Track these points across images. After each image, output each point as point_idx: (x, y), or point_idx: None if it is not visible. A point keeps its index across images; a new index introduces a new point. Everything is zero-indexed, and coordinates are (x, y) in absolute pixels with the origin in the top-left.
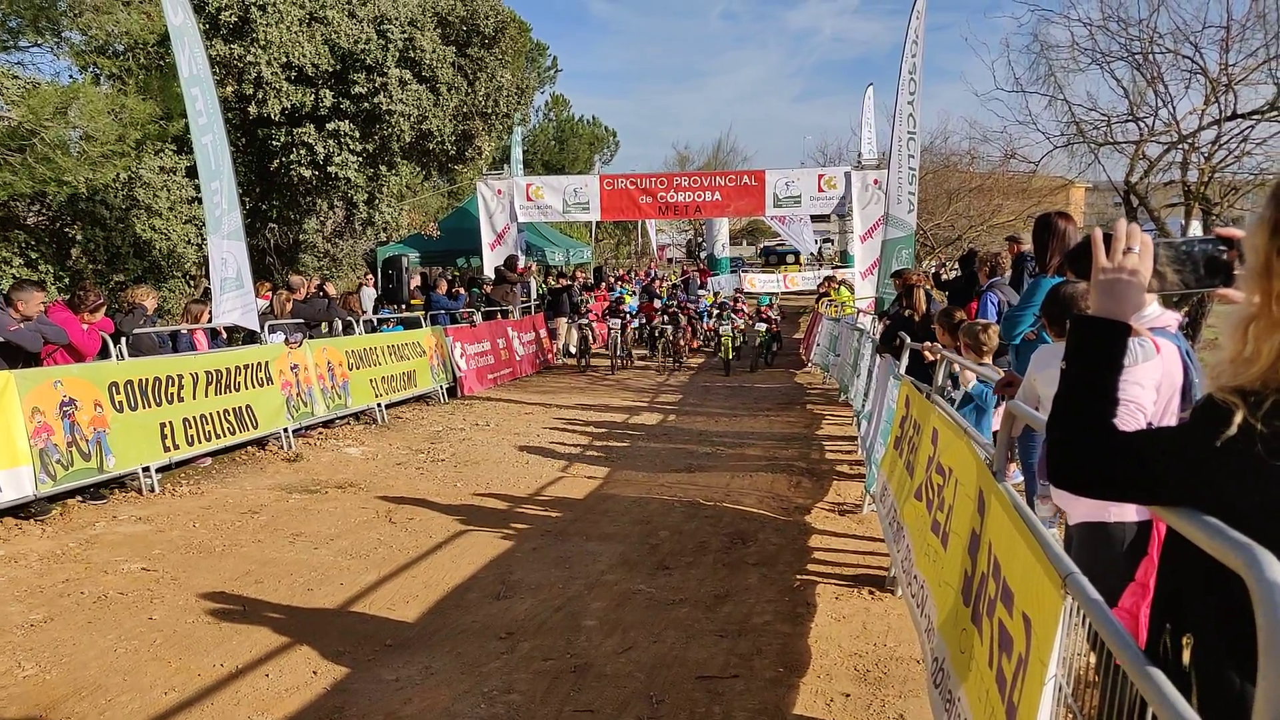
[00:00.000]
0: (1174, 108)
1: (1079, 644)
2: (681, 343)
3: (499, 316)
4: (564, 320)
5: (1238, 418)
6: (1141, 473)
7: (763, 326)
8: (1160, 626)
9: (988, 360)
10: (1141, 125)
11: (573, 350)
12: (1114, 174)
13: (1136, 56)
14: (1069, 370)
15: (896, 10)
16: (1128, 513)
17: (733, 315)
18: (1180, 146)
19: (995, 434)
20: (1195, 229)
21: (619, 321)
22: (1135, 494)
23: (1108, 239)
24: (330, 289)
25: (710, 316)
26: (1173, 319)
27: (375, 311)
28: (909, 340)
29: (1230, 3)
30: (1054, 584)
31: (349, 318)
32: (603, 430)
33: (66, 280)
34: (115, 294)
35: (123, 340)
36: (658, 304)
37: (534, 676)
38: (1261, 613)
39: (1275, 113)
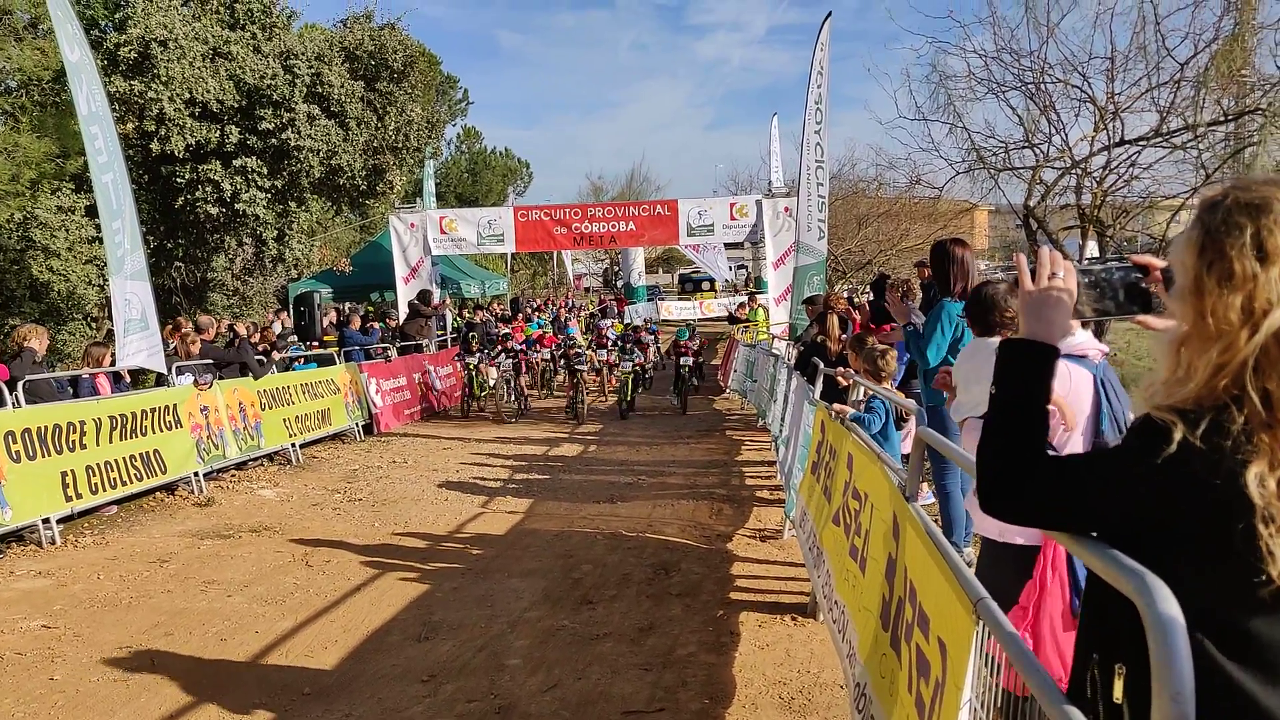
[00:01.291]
0: (1066, 135)
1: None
2: (583, 384)
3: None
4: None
5: (1177, 436)
6: (1077, 498)
7: (686, 362)
8: (1087, 656)
9: (887, 384)
10: (1037, 151)
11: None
12: (1013, 198)
13: (1029, 86)
14: (998, 395)
15: (801, 41)
16: (1016, 534)
17: (635, 349)
18: (1074, 172)
19: (905, 457)
20: (1092, 249)
21: (510, 361)
22: (1070, 521)
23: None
24: (241, 328)
25: (613, 349)
26: (1095, 349)
27: (285, 348)
28: (822, 365)
29: (1113, 35)
30: (965, 609)
31: (259, 358)
32: (523, 463)
33: None
34: (7, 339)
35: (18, 387)
36: (562, 336)
37: None
38: (1152, 640)
39: (1159, 139)
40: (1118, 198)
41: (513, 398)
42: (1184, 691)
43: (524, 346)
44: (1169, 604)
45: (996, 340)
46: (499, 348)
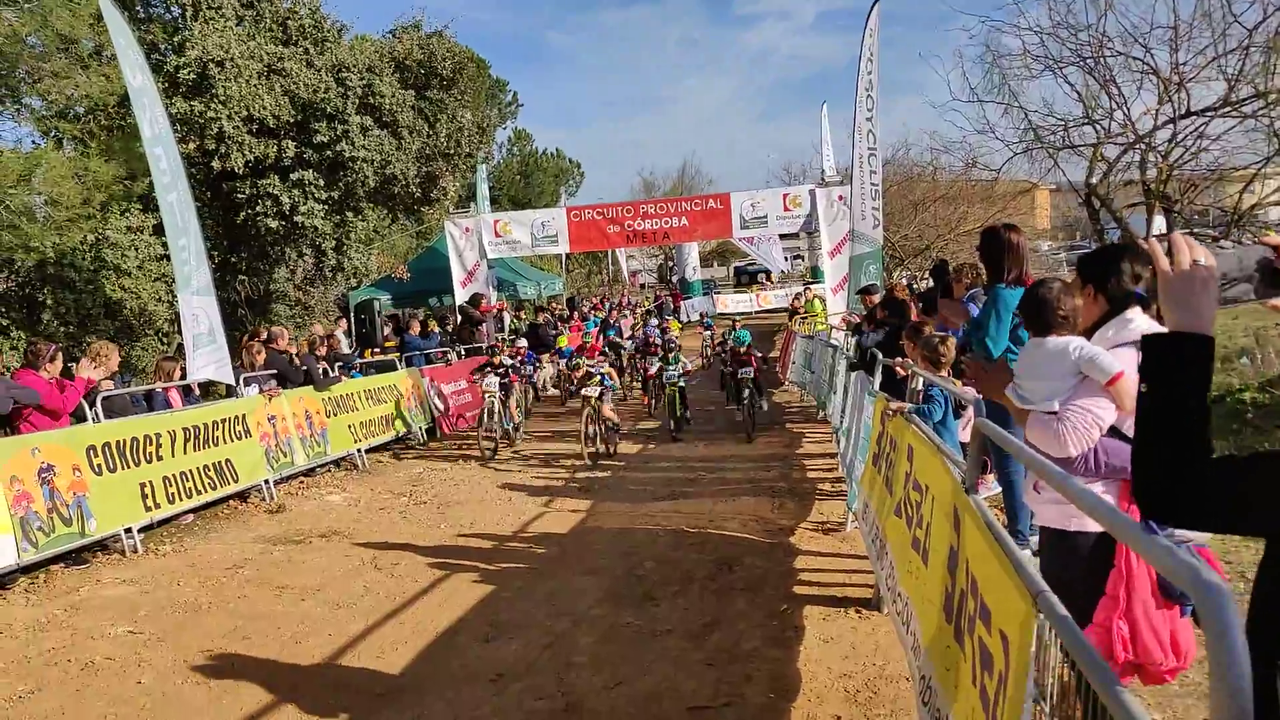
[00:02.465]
0: (1128, 109)
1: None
2: (608, 410)
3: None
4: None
5: None
6: (1262, 499)
7: (747, 373)
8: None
9: (945, 373)
10: (1098, 128)
11: (550, 390)
12: (1074, 177)
13: (1088, 61)
14: (1151, 394)
15: (850, 26)
16: (1089, 522)
17: (681, 357)
18: (1137, 147)
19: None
20: (1159, 226)
21: (497, 380)
22: (1248, 523)
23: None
24: (293, 349)
25: (649, 356)
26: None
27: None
28: (881, 356)
29: (1176, 3)
30: (1026, 602)
31: (320, 367)
32: (583, 463)
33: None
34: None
35: (97, 402)
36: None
37: (526, 718)
38: (1209, 635)
39: (1227, 108)
40: (1185, 171)
41: (494, 429)
42: (1243, 688)
43: (515, 363)
44: (1225, 598)
45: (1053, 340)
46: (486, 364)
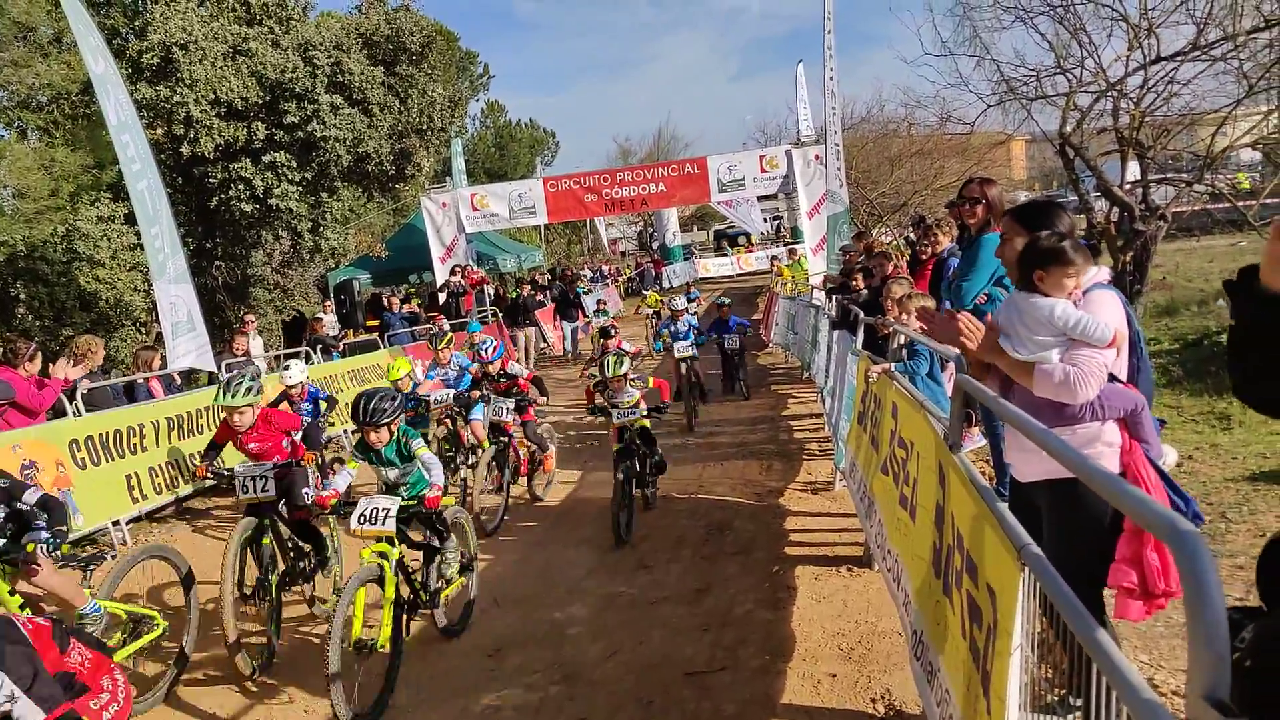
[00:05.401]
0: (1099, 57)
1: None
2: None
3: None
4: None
5: None
6: None
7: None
8: None
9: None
10: (1070, 77)
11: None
12: (1048, 127)
13: (1058, 9)
14: None
15: None
16: (1100, 463)
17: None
18: (1109, 94)
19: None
20: (1133, 172)
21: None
22: None
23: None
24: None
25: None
26: (1105, 273)
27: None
28: (863, 315)
29: None
30: (1011, 556)
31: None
32: (572, 433)
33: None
34: (60, 350)
35: (78, 397)
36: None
37: (524, 691)
38: (1185, 584)
39: (1197, 52)
40: (1157, 117)
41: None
42: (1220, 632)
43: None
44: (1198, 544)
45: (1041, 300)
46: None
